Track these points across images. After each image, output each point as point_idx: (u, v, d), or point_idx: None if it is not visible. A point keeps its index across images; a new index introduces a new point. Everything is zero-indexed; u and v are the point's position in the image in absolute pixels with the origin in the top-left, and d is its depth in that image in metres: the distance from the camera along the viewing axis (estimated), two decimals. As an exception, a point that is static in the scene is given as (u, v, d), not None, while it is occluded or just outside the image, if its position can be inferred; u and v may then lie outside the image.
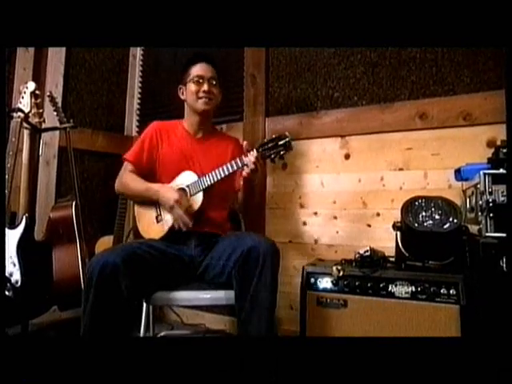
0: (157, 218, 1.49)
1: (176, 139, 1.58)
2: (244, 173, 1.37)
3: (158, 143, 1.56)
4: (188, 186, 1.45)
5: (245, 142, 1.41)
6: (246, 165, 1.35)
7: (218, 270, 1.35)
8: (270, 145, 1.36)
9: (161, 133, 1.58)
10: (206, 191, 1.43)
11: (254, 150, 1.35)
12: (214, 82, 1.56)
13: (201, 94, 1.53)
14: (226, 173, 1.40)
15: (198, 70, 1.55)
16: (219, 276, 1.34)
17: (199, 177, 1.44)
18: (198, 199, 1.43)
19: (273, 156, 1.36)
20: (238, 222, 1.69)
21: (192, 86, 1.54)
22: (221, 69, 1.63)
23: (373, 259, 1.42)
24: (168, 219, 1.45)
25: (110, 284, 1.17)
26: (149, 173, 1.54)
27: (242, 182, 1.48)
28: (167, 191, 1.43)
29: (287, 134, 1.36)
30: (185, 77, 1.58)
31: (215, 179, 1.41)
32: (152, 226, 1.50)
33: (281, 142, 1.35)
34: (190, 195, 1.44)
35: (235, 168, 1.39)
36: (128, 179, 1.53)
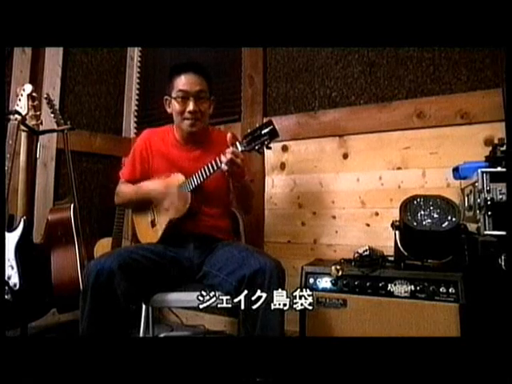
0: (152, 222, 1.48)
1: (166, 149, 1.51)
2: (225, 170, 1.28)
3: (149, 155, 1.51)
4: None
5: (228, 135, 1.27)
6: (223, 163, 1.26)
7: (217, 280, 1.30)
8: (254, 135, 1.24)
9: (150, 143, 1.52)
10: (195, 193, 1.38)
11: (230, 148, 1.25)
12: (203, 96, 1.41)
13: (186, 115, 1.40)
14: (208, 173, 1.33)
15: (182, 83, 1.39)
16: (218, 286, 1.27)
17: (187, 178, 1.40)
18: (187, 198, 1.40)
19: (257, 147, 1.23)
20: (236, 223, 1.68)
21: (176, 105, 1.41)
22: (219, 69, 1.59)
23: (372, 258, 1.42)
24: (162, 223, 1.44)
25: (105, 289, 1.17)
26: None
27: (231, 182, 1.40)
28: (153, 183, 1.45)
29: (271, 120, 1.24)
30: (169, 88, 1.44)
31: (199, 181, 1.35)
32: (148, 231, 1.49)
33: (264, 131, 1.22)
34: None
35: (215, 168, 1.31)
36: (121, 188, 1.56)
